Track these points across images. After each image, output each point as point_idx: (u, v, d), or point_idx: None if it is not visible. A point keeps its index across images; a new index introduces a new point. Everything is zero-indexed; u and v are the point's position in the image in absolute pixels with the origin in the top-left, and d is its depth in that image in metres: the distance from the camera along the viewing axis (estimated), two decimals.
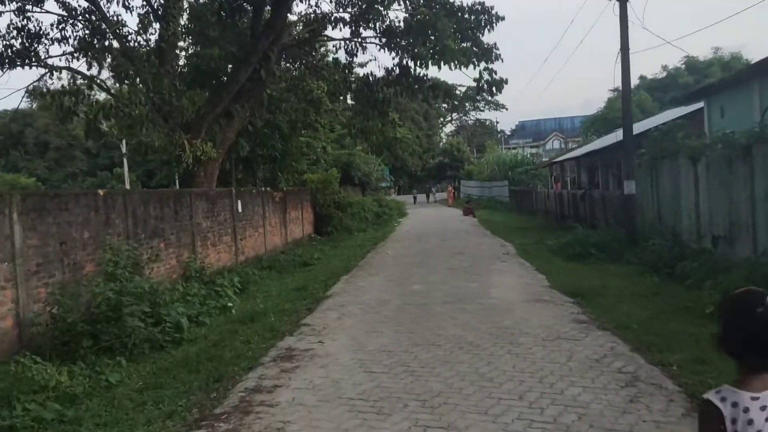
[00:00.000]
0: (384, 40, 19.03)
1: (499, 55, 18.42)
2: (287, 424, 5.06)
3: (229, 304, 10.65)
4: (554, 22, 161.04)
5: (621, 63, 14.09)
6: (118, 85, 15.93)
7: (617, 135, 18.70)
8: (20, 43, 14.64)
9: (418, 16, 17.00)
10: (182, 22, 18.59)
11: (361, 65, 22.08)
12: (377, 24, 18.99)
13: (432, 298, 10.23)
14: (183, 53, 19.50)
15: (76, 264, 8.76)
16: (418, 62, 17.82)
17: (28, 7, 14.64)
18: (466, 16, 18.12)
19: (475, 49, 18.07)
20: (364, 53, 20.98)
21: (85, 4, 14.80)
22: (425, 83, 19.53)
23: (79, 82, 14.41)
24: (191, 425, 5.22)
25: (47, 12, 15.27)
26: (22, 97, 14.56)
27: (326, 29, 19.55)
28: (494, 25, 18.27)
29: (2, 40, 14.19)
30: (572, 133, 72.34)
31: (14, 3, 14.06)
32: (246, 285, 12.76)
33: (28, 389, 5.84)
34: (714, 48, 52.40)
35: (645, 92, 50.53)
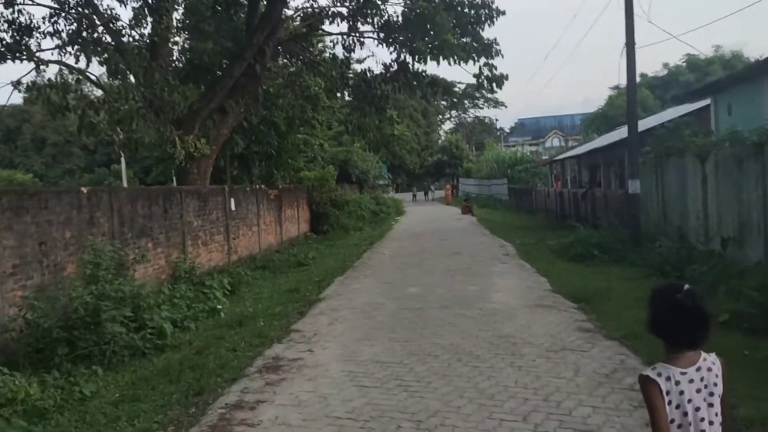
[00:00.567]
0: (382, 35, 18.64)
1: (500, 50, 18.04)
2: None
3: (219, 307, 10.23)
4: (553, 21, 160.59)
5: (626, 58, 13.67)
6: (111, 80, 15.54)
7: (621, 132, 18.30)
8: (11, 37, 14.23)
9: (417, 10, 16.56)
10: (177, 17, 18.22)
11: (359, 61, 21.70)
12: (375, 19, 18.61)
13: (429, 302, 9.79)
14: (178, 48, 19.05)
15: (56, 265, 8.33)
16: (417, 57, 17.40)
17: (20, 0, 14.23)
18: (466, 10, 17.72)
19: (474, 44, 17.68)
20: (361, 49, 20.57)
21: None
22: (424, 79, 19.13)
23: (68, 75, 13.99)
24: None
25: (39, 5, 14.84)
26: (11, 92, 14.04)
27: (323, 24, 19.15)
28: (495, 19, 17.88)
29: None
30: (572, 131, 72.02)
31: None
32: (237, 286, 12.34)
33: None
34: (715, 46, 51.99)
35: (646, 90, 50.08)
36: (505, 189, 42.16)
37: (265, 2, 17.12)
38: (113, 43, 14.90)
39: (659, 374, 2.42)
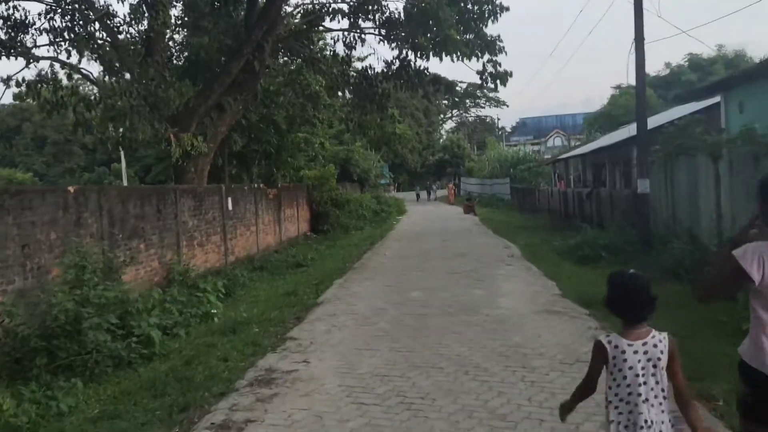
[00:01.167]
0: (383, 31, 18.24)
1: (503, 47, 17.66)
2: None
3: (213, 311, 9.80)
4: (553, 21, 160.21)
5: (635, 53, 13.21)
6: (106, 75, 15.16)
7: (627, 131, 17.82)
8: (5, 33, 13.82)
9: (420, 5, 16.13)
10: (176, 13, 17.87)
11: (360, 59, 21.30)
12: (377, 15, 18.22)
13: (432, 308, 9.32)
14: (174, 44, 18.66)
15: (40, 269, 7.89)
16: (419, 53, 16.99)
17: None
18: (469, 6, 17.30)
19: (478, 41, 17.28)
20: (362, 46, 20.29)
21: None
22: (426, 77, 18.71)
23: (60, 71, 13.59)
24: None
25: (34, 0, 14.43)
26: (4, 90, 13.54)
27: (324, 21, 18.74)
28: (498, 15, 17.46)
29: None
30: (574, 131, 71.62)
31: None
32: (233, 289, 11.91)
33: None
34: (718, 45, 51.47)
35: (648, 89, 49.59)
36: (508, 188, 41.74)
37: None
38: (108, 38, 14.49)
39: (609, 342, 2.90)
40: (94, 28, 14.37)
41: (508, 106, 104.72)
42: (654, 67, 72.49)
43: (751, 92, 14.22)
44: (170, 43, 19.20)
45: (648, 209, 13.62)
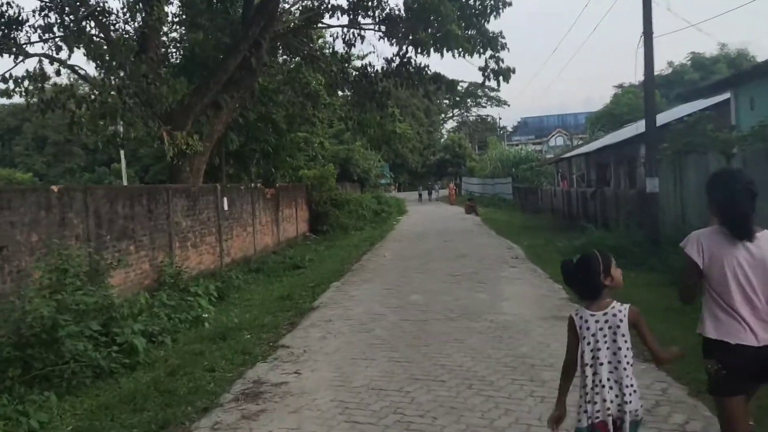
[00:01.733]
0: (383, 28, 17.83)
1: (506, 44, 17.24)
2: None
3: (205, 315, 9.37)
4: (553, 21, 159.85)
5: (644, 48, 12.73)
6: (101, 73, 14.77)
7: (636, 127, 17.33)
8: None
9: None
10: (173, 10, 17.48)
11: (360, 57, 20.91)
12: (376, 12, 17.81)
13: (433, 312, 8.86)
14: (168, 40, 18.24)
15: (20, 272, 7.48)
16: (420, 49, 16.55)
17: None
18: (471, 1, 16.88)
19: (479, 37, 16.87)
20: (362, 43, 19.91)
21: None
22: (426, 74, 18.29)
23: (51, 67, 13.16)
24: None
25: None
26: None
27: (323, 17, 18.30)
28: (501, 11, 17.04)
29: None
30: (576, 130, 71.16)
31: None
32: (227, 292, 11.47)
33: None
34: (720, 44, 50.88)
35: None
36: (510, 188, 41.29)
37: None
38: (101, 34, 14.09)
39: (576, 313, 3.31)
40: (87, 24, 13.98)
41: (509, 105, 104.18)
42: (656, 66, 72.04)
43: (762, 88, 13.78)
44: (167, 40, 18.86)
45: (656, 209, 13.16)
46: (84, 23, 13.72)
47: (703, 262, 3.29)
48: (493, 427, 4.61)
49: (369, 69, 19.12)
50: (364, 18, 18.11)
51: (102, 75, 13.98)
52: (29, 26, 13.74)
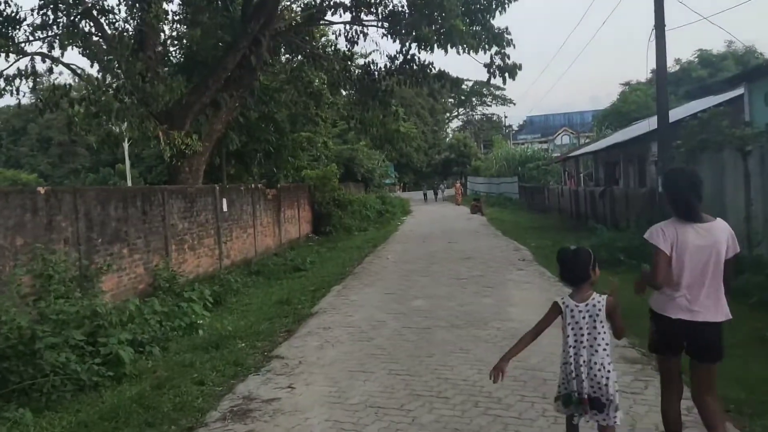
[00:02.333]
0: (386, 25, 17.42)
1: (512, 40, 16.80)
2: None
3: (199, 322, 8.99)
4: (558, 20, 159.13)
5: (656, 41, 12.29)
6: (99, 72, 14.44)
7: (648, 123, 16.85)
8: None
9: None
10: (173, 9, 17.17)
11: (363, 56, 20.53)
12: (379, 9, 17.41)
13: (437, 319, 8.42)
14: (165, 37, 17.88)
15: (3, 279, 7.11)
16: (423, 45, 16.12)
17: None
18: None
19: (484, 33, 16.44)
20: (365, 41, 19.50)
21: None
22: (430, 72, 17.86)
23: (43, 65, 12.87)
24: None
25: None
26: None
27: (325, 15, 17.91)
28: (506, 6, 16.59)
29: None
30: (582, 129, 70.57)
31: None
32: (224, 296, 11.09)
33: None
34: (727, 41, 50.18)
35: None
36: (516, 187, 40.81)
37: None
38: (97, 31, 13.75)
39: (563, 302, 3.79)
40: (86, 23, 13.64)
41: (514, 104, 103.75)
42: None
43: None
44: (168, 38, 18.54)
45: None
46: (79, 21, 13.39)
47: (669, 249, 3.79)
48: None
49: (372, 67, 18.76)
50: (366, 15, 17.73)
51: (99, 73, 13.69)
52: (27, 25, 13.46)
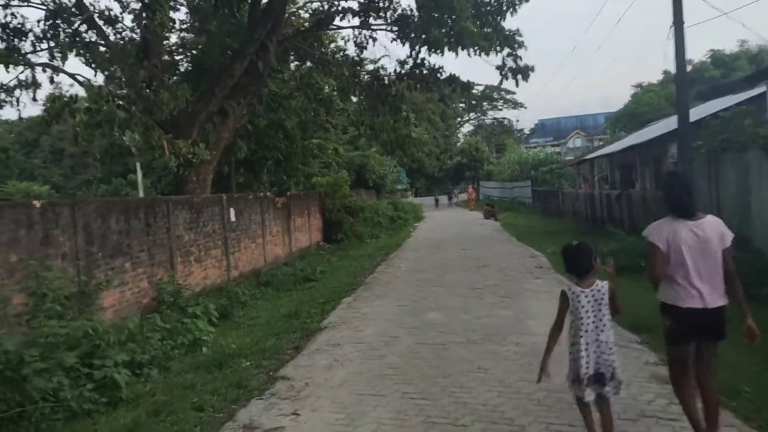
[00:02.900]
0: (395, 29, 17.08)
1: (523, 42, 16.43)
2: None
3: (203, 338, 8.61)
4: (568, 22, 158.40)
5: (675, 38, 11.79)
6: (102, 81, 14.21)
7: (667, 124, 16.32)
8: (2, 41, 12.90)
9: None
10: (180, 17, 16.96)
11: (373, 62, 20.18)
12: (388, 13, 17.09)
13: (453, 334, 7.97)
14: (170, 45, 17.64)
15: None
16: (433, 48, 15.74)
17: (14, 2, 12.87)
18: None
19: (495, 35, 16.06)
20: (374, 45, 19.16)
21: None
22: (440, 76, 17.48)
23: (44, 74, 12.62)
24: None
25: (31, 6, 13.42)
26: None
27: (333, 20, 17.59)
28: (517, 7, 16.21)
29: None
30: (594, 131, 69.89)
31: None
32: (231, 310, 10.67)
33: None
34: (740, 41, 49.35)
35: (672, 86, 47.75)
36: (529, 191, 40.22)
37: None
38: (100, 39, 13.51)
39: (570, 290, 4.35)
40: (88, 32, 13.41)
41: (525, 107, 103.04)
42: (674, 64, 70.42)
43: None
44: (176, 46, 18.33)
45: None
46: (81, 29, 13.15)
47: (665, 245, 4.18)
48: None
49: (381, 71, 18.41)
50: (375, 19, 17.42)
51: (103, 82, 13.46)
52: (33, 35, 13.25)
